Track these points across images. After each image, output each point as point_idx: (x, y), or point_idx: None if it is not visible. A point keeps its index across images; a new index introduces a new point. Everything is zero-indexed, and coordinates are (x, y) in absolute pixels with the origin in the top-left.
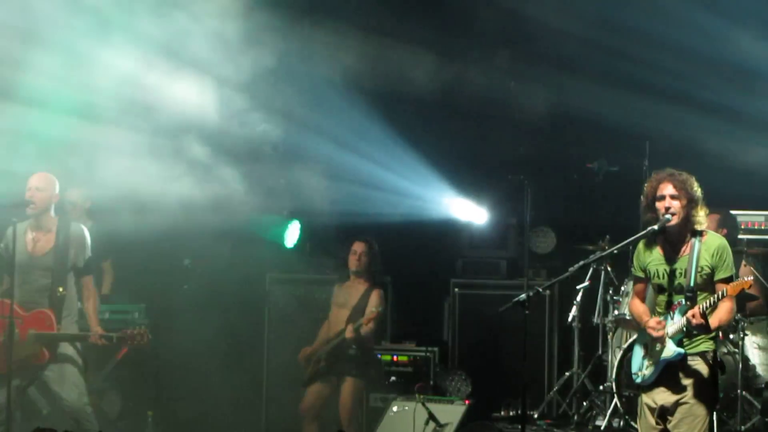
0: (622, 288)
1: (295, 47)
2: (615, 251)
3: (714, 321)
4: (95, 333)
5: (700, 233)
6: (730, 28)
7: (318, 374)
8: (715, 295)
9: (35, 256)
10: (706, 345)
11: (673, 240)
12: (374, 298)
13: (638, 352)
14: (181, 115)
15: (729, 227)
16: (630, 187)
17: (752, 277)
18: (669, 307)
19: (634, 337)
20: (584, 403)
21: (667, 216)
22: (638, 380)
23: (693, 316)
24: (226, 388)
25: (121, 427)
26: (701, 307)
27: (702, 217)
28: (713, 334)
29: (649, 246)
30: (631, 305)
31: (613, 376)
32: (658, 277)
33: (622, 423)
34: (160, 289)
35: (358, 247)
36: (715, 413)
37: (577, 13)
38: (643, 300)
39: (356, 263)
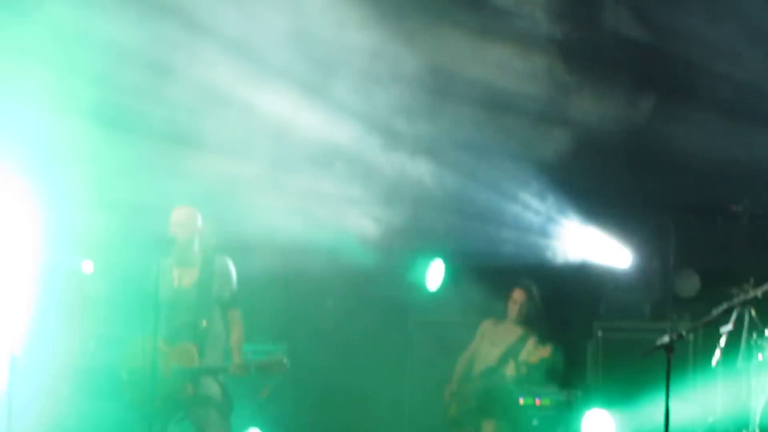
0: (767, 332)
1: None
2: (758, 295)
3: None
4: (236, 364)
5: None
6: None
7: (466, 412)
8: None
9: (180, 291)
10: None
11: None
12: (532, 344)
13: None
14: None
15: None
16: None
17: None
18: None
19: None
20: None
21: None
22: None
23: None
24: (369, 429)
25: None
26: None
27: None
28: None
29: None
30: None
31: (758, 421)
32: None
33: None
34: (301, 329)
35: (519, 295)
36: None
37: (724, 52)
38: None
39: (516, 312)
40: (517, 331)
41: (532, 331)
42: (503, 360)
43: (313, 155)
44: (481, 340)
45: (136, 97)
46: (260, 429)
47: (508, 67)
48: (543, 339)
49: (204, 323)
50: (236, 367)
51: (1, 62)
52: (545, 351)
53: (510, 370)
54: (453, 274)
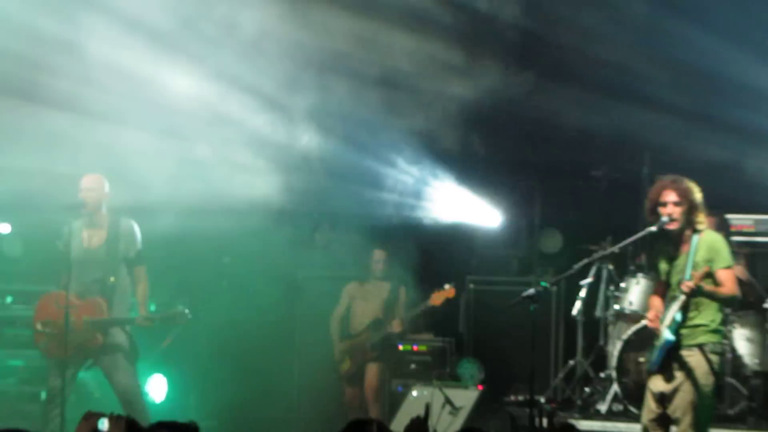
0: (622, 284)
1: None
2: (615, 251)
3: (709, 287)
4: (141, 316)
5: (698, 233)
6: (727, 47)
7: (361, 367)
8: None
9: (89, 251)
10: (704, 337)
11: (675, 241)
12: (402, 295)
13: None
14: (226, 124)
15: (724, 230)
16: (630, 193)
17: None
18: (670, 300)
19: (634, 328)
20: (586, 389)
21: (664, 219)
22: (647, 367)
23: (685, 286)
24: (262, 375)
25: (166, 409)
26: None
27: (702, 220)
28: (713, 327)
29: (661, 247)
30: (650, 300)
31: (614, 364)
32: (665, 274)
33: (621, 407)
34: (202, 284)
35: (379, 255)
36: None
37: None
38: (662, 297)
39: (379, 269)
40: (385, 287)
41: (399, 283)
42: (387, 312)
43: (204, 124)
44: (350, 300)
45: (36, 70)
46: (163, 375)
47: (393, 47)
48: (411, 288)
49: (112, 279)
50: (142, 318)
51: None
52: (450, 291)
53: (395, 328)
54: (337, 233)
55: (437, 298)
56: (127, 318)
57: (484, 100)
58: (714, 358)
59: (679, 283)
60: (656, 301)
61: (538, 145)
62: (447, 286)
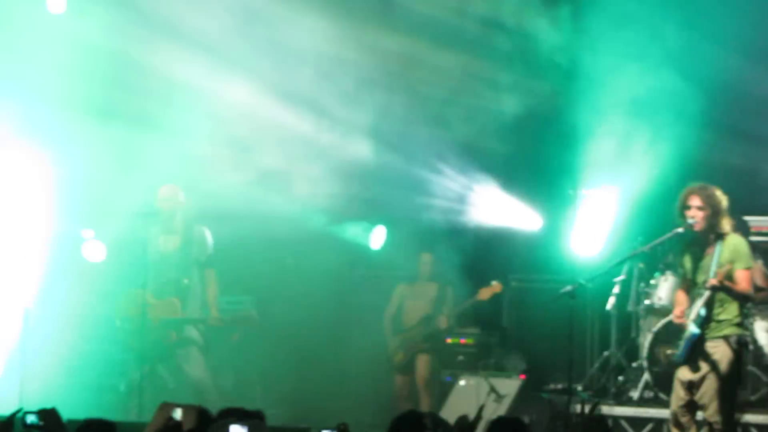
0: (651, 281)
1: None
2: (646, 250)
3: (728, 283)
4: (213, 317)
5: (722, 236)
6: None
7: (412, 359)
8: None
9: (165, 255)
10: (729, 330)
11: (701, 243)
12: (449, 294)
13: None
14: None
15: (741, 231)
16: (660, 197)
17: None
18: (696, 298)
19: (663, 321)
20: (620, 378)
21: (690, 221)
22: (673, 358)
23: (710, 283)
24: (321, 368)
25: (235, 399)
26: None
27: (726, 224)
28: (735, 321)
29: (686, 249)
30: (676, 295)
31: (645, 354)
32: (690, 273)
33: (652, 394)
34: (267, 285)
35: (427, 258)
36: None
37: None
38: (687, 293)
39: (427, 272)
40: (433, 287)
41: (446, 284)
42: (436, 309)
43: (266, 137)
44: (401, 299)
45: (118, 89)
46: (231, 368)
47: (443, 65)
48: (457, 287)
49: (186, 281)
50: (213, 319)
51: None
52: (497, 287)
53: (442, 323)
54: (391, 236)
55: (485, 293)
56: (201, 317)
57: (526, 112)
58: (737, 348)
59: (705, 282)
60: (681, 297)
61: (576, 154)
62: (494, 283)
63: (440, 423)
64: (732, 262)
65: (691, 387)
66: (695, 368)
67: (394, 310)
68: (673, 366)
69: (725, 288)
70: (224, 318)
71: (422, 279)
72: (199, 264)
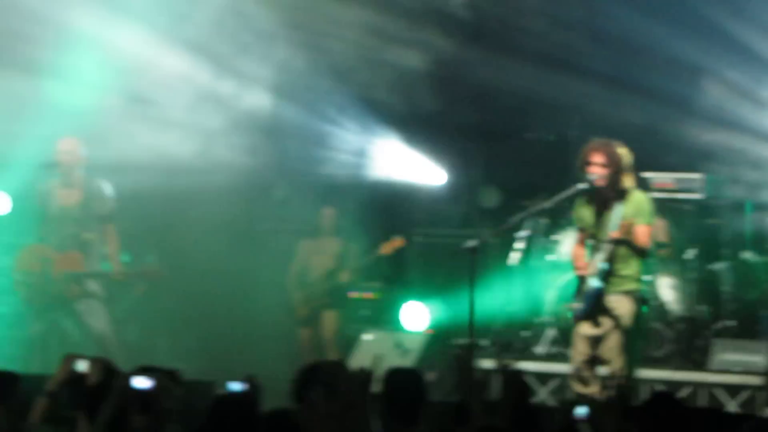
0: (554, 236)
1: None
2: (548, 205)
3: (628, 238)
4: (116, 270)
5: (624, 192)
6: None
7: (315, 309)
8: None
9: (65, 209)
10: (631, 285)
11: (602, 198)
12: (352, 249)
13: (574, 288)
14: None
15: (645, 188)
16: (561, 154)
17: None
18: (594, 251)
19: (566, 276)
20: (525, 333)
21: (592, 176)
22: (571, 314)
23: (612, 235)
24: (226, 322)
25: (140, 353)
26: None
27: (628, 181)
28: (637, 276)
29: (585, 203)
30: (573, 250)
31: (549, 309)
32: (591, 228)
33: (556, 350)
34: (169, 239)
35: (328, 212)
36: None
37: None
38: (583, 244)
39: (329, 226)
40: (336, 241)
41: (348, 238)
42: (339, 264)
43: (165, 88)
44: (305, 255)
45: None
46: (135, 321)
47: (343, 18)
48: (360, 242)
49: (87, 235)
50: (117, 273)
51: None
52: (399, 242)
53: (344, 278)
54: (291, 191)
55: (386, 248)
56: (103, 272)
57: (430, 69)
58: (639, 303)
59: (605, 236)
60: (579, 252)
61: (480, 110)
62: (395, 237)
63: (340, 373)
64: (634, 217)
65: (594, 342)
66: (598, 323)
67: (299, 266)
68: (575, 321)
69: (626, 242)
70: (128, 272)
71: (324, 234)
72: (99, 218)
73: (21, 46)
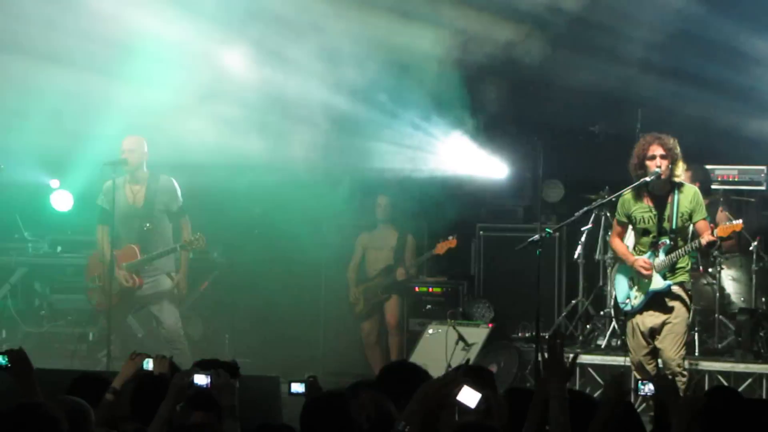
0: None
1: None
2: (612, 199)
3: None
4: (187, 240)
5: (679, 185)
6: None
7: (374, 305)
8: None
9: (132, 206)
10: (683, 277)
11: (657, 192)
12: (410, 243)
13: (623, 283)
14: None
15: (701, 180)
16: (625, 147)
17: (741, 221)
18: (653, 246)
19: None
20: (587, 326)
21: (657, 170)
22: (627, 308)
23: (707, 239)
24: (290, 317)
25: (203, 348)
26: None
27: (681, 172)
28: (688, 268)
29: (636, 197)
30: (615, 243)
31: (612, 303)
32: (644, 222)
33: (618, 342)
34: (235, 234)
35: (382, 200)
36: (696, 334)
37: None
38: (622, 240)
39: (382, 213)
40: (393, 233)
41: (405, 231)
42: (397, 258)
43: (230, 86)
44: (363, 250)
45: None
46: (199, 317)
47: (408, 18)
48: (420, 236)
49: (147, 225)
50: (189, 242)
51: None
52: (452, 242)
53: (400, 275)
54: (360, 187)
55: (441, 248)
56: (159, 252)
57: (494, 64)
58: (690, 294)
59: (665, 230)
60: (621, 245)
61: (542, 104)
62: (450, 237)
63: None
64: (692, 211)
65: (653, 334)
66: (655, 315)
67: (357, 260)
68: (635, 314)
69: (717, 242)
70: (173, 247)
71: (380, 223)
72: (170, 214)
73: (90, 46)
